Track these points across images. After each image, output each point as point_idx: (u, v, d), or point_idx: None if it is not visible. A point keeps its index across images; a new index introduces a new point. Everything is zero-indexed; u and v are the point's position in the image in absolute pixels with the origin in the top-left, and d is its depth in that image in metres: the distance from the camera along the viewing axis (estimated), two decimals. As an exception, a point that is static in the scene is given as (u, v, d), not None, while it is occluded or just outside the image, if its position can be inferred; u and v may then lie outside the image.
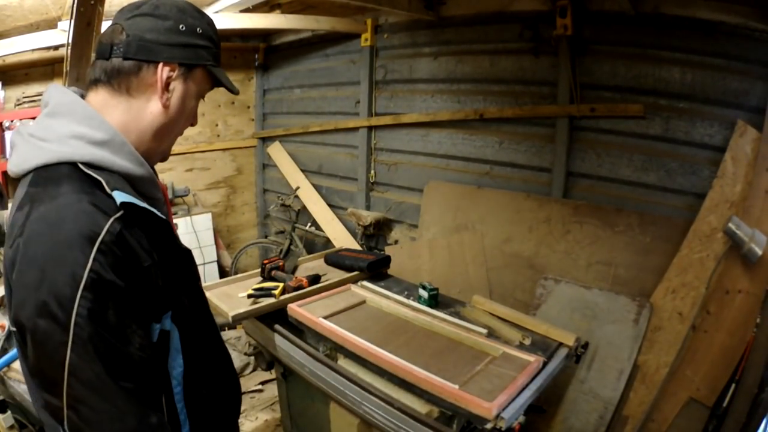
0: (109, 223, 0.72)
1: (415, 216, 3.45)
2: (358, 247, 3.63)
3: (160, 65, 0.84)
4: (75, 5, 1.59)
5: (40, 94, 3.63)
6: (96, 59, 0.86)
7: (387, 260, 2.55)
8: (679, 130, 2.37)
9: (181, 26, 0.85)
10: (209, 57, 0.91)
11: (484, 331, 1.87)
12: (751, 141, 2.07)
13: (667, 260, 2.32)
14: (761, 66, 2.10)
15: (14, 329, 0.75)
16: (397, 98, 3.58)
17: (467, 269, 3.00)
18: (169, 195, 4.19)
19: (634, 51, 2.45)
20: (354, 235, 3.82)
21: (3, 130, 3.35)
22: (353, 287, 2.30)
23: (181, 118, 0.91)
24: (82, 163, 0.77)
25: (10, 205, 2.28)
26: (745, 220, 1.96)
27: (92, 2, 1.62)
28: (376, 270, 2.47)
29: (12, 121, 3.36)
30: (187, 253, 0.92)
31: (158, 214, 0.81)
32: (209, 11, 3.09)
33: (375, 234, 3.71)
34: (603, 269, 2.55)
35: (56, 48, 3.15)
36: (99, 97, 0.85)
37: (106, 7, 1.97)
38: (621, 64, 2.50)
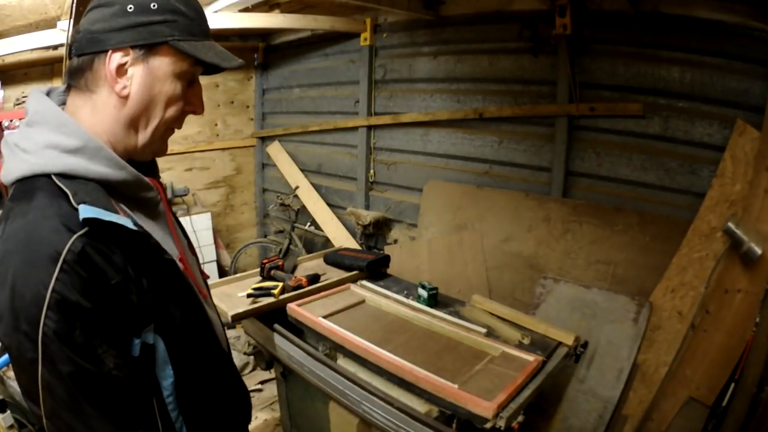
0: (71, 242, 0.69)
1: (415, 215, 3.45)
2: (358, 247, 3.63)
3: (109, 53, 0.78)
4: (74, 5, 1.59)
5: (39, 94, 3.63)
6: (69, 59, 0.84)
7: (386, 260, 2.55)
8: (679, 130, 2.37)
9: (128, 7, 0.78)
10: (172, 31, 0.80)
11: (484, 330, 1.87)
12: (751, 140, 2.07)
13: (666, 259, 2.32)
14: (760, 65, 2.10)
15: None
16: (397, 98, 3.58)
17: (467, 269, 3.00)
18: (168, 195, 4.19)
19: (634, 50, 2.45)
20: (353, 234, 3.82)
21: (2, 130, 3.35)
22: (352, 287, 2.30)
23: (153, 105, 0.82)
24: (56, 174, 0.75)
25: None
26: (745, 220, 1.96)
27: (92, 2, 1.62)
28: (376, 269, 2.47)
29: (11, 120, 3.35)
30: (171, 263, 0.85)
31: (129, 226, 0.75)
32: (208, 11, 3.09)
33: (374, 233, 3.71)
34: (602, 268, 2.55)
35: (55, 47, 3.15)
36: (71, 100, 0.83)
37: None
38: (620, 63, 2.50)
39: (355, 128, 3.84)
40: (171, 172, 4.48)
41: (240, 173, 5.00)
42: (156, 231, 0.87)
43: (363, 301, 2.17)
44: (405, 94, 3.52)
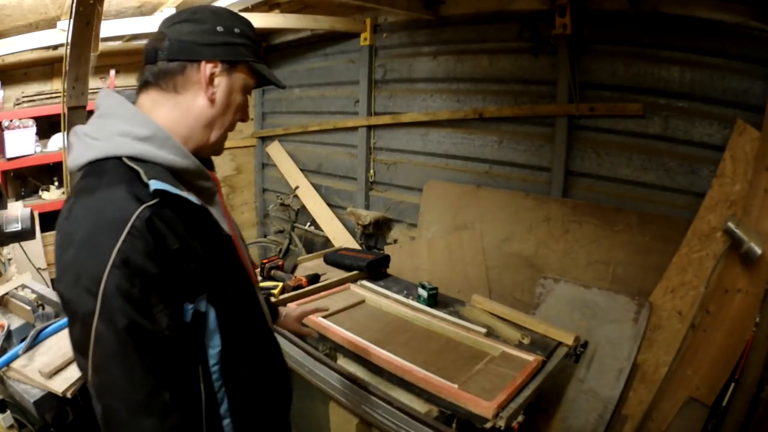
0: (139, 210, 0.79)
1: (415, 215, 3.45)
2: (358, 247, 3.63)
3: (203, 63, 0.92)
4: (74, 5, 1.59)
5: (40, 94, 3.63)
6: (144, 64, 0.95)
7: (386, 260, 2.55)
8: (679, 129, 2.37)
9: (218, 27, 0.94)
10: (249, 53, 0.98)
11: (484, 330, 1.87)
12: (751, 140, 2.07)
13: (666, 259, 2.32)
14: (760, 65, 2.10)
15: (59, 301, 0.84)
16: (396, 97, 3.58)
17: (466, 268, 3.00)
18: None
19: (633, 50, 2.45)
20: (353, 234, 3.82)
21: (2, 130, 3.34)
22: (352, 287, 2.30)
23: (228, 111, 0.97)
24: (126, 157, 0.85)
25: (9, 205, 2.28)
26: (745, 219, 1.96)
27: (91, 2, 1.62)
28: (376, 269, 2.47)
29: (11, 120, 3.35)
30: (227, 239, 0.96)
31: (192, 200, 0.86)
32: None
33: (374, 233, 3.71)
34: (602, 268, 2.55)
35: (55, 47, 3.15)
36: (149, 97, 0.94)
37: (106, 6, 1.97)
38: (620, 63, 2.50)
39: (355, 128, 3.84)
40: (171, 172, 4.48)
41: (240, 173, 5.00)
42: (214, 213, 0.95)
43: (363, 301, 2.16)
44: (405, 94, 3.52)
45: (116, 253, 0.76)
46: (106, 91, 0.95)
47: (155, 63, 0.92)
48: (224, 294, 0.92)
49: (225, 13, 0.98)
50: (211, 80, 0.93)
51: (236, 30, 0.96)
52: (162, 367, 0.79)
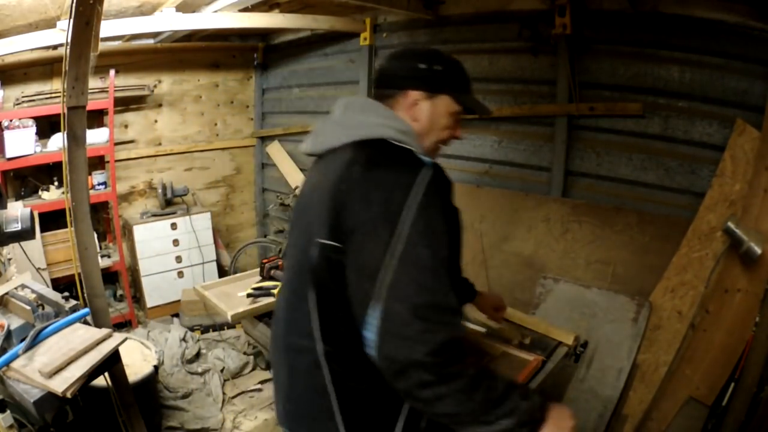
0: (431, 174, 1.03)
1: (415, 215, 3.45)
2: (358, 247, 3.63)
3: (409, 91, 1.20)
4: (74, 5, 1.59)
5: (39, 94, 3.63)
6: (374, 87, 1.28)
7: (386, 259, 2.55)
8: (678, 129, 2.37)
9: (420, 65, 1.21)
10: (451, 85, 1.23)
11: (484, 330, 1.87)
12: (751, 140, 2.07)
13: (666, 259, 2.32)
14: (760, 65, 2.10)
15: (327, 242, 1.04)
16: (397, 97, 3.58)
17: (466, 268, 2.99)
18: (168, 194, 4.20)
19: (633, 50, 2.45)
20: (353, 234, 3.82)
21: (2, 130, 3.34)
22: (352, 286, 2.29)
23: (433, 128, 1.23)
24: (393, 140, 1.10)
25: (9, 205, 2.28)
26: (744, 219, 1.97)
27: (91, 2, 1.61)
28: (376, 269, 2.47)
29: (11, 120, 3.35)
30: (457, 211, 1.22)
31: (449, 177, 1.13)
32: (207, 10, 3.09)
33: (374, 233, 3.70)
34: (602, 268, 2.55)
35: (55, 47, 3.15)
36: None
37: (106, 6, 1.96)
38: (620, 63, 2.50)
39: (354, 128, 3.84)
40: (171, 172, 4.48)
41: (240, 173, 5.00)
42: None
43: (363, 301, 2.16)
44: (405, 93, 3.52)
45: (421, 198, 0.98)
46: (362, 98, 1.29)
47: (379, 88, 1.25)
48: (456, 257, 1.27)
49: (430, 54, 1.25)
50: (414, 104, 1.20)
51: (436, 67, 1.22)
52: (449, 283, 0.99)
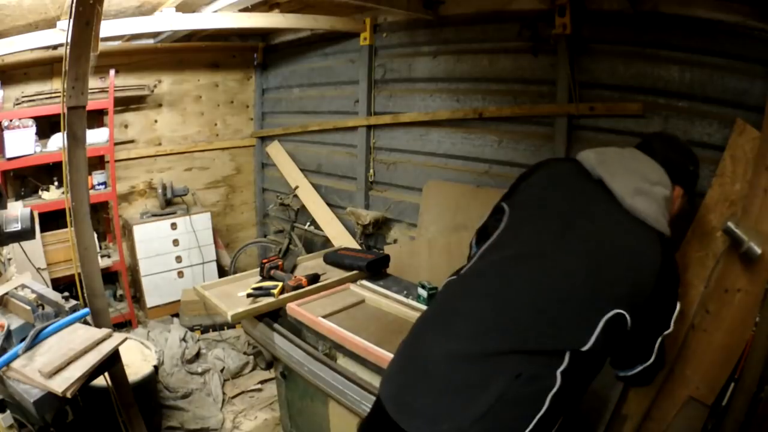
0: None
1: (414, 215, 3.45)
2: (357, 247, 3.63)
3: (678, 187, 1.46)
4: (74, 5, 1.59)
5: (39, 94, 3.63)
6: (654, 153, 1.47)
7: (386, 259, 2.55)
8: (678, 129, 2.36)
9: (690, 167, 1.52)
10: (694, 186, 1.56)
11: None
12: (751, 140, 2.06)
13: (666, 259, 2.31)
14: (760, 65, 2.10)
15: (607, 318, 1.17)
16: (396, 97, 3.58)
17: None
18: (168, 194, 4.20)
19: (633, 50, 2.44)
20: (353, 234, 3.82)
21: (2, 130, 3.34)
22: (352, 286, 2.30)
23: (676, 213, 1.49)
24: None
25: (9, 205, 2.28)
26: (744, 219, 1.96)
27: (91, 2, 1.61)
28: (375, 269, 2.47)
29: (11, 120, 3.35)
30: None
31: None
32: (207, 10, 3.09)
33: (374, 233, 3.71)
34: (602, 268, 2.54)
35: (55, 47, 3.15)
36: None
37: (106, 6, 1.96)
38: (620, 62, 2.50)
39: (354, 128, 3.84)
40: (170, 172, 4.48)
41: (240, 173, 5.00)
42: None
43: (363, 301, 2.17)
44: (405, 93, 3.52)
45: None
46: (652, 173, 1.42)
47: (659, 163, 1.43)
48: None
49: (693, 156, 1.53)
50: (676, 198, 1.45)
51: (692, 168, 1.51)
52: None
